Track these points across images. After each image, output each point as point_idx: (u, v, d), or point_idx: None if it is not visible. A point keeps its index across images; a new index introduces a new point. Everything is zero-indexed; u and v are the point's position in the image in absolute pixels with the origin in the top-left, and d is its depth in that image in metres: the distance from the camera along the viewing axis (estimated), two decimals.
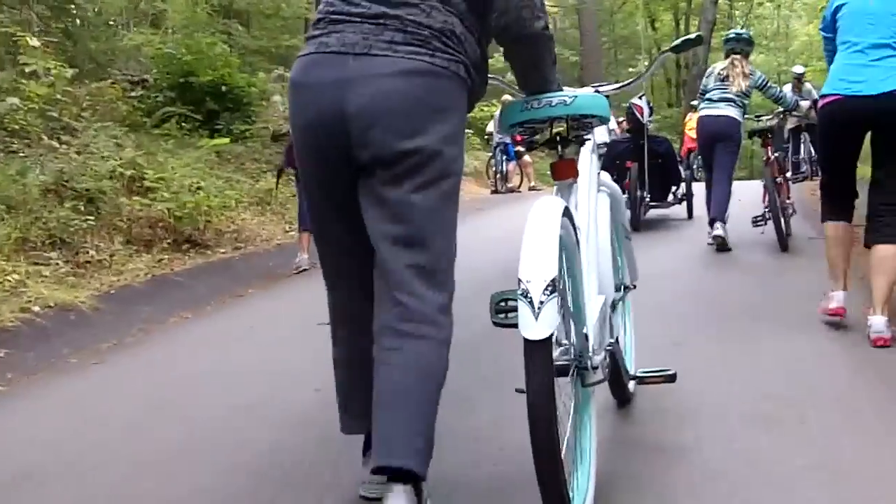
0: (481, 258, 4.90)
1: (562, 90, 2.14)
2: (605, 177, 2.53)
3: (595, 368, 2.01)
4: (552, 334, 1.68)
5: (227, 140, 8.97)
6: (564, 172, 2.13)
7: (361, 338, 1.96)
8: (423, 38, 1.82)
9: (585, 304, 2.04)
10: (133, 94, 9.52)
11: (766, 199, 6.02)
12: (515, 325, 1.86)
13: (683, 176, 8.04)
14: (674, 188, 7.81)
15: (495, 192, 12.54)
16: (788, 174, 6.21)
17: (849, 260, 3.74)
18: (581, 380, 1.98)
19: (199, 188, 7.29)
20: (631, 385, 2.70)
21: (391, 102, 1.78)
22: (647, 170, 7.24)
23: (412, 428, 1.77)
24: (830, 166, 3.79)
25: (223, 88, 9.81)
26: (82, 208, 6.17)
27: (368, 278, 1.92)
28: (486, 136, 13.82)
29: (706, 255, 5.92)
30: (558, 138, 2.17)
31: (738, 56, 6.02)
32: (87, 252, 5.94)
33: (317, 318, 2.65)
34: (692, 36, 2.39)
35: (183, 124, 9.06)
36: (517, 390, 2.14)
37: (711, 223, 5.93)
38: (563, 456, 1.71)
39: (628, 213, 5.63)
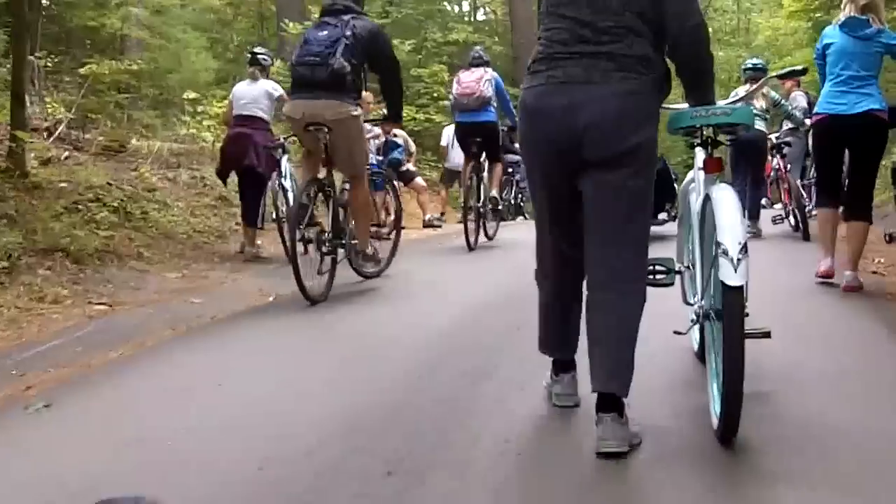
0: None
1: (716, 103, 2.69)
2: None
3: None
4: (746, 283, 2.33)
5: None
6: (714, 167, 2.72)
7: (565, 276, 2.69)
8: (629, 65, 2.44)
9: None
10: None
11: (786, 198, 7.75)
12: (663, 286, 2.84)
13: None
14: (668, 206, 7.69)
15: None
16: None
17: (835, 235, 4.90)
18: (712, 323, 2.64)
19: None
20: None
21: (614, 117, 2.43)
22: None
23: (622, 363, 2.45)
24: (822, 166, 5.00)
25: None
26: None
27: (575, 237, 2.60)
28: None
29: None
30: (709, 140, 2.76)
31: (755, 81, 7.11)
32: None
33: None
34: (798, 67, 3.03)
35: None
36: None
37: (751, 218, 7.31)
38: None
39: None
